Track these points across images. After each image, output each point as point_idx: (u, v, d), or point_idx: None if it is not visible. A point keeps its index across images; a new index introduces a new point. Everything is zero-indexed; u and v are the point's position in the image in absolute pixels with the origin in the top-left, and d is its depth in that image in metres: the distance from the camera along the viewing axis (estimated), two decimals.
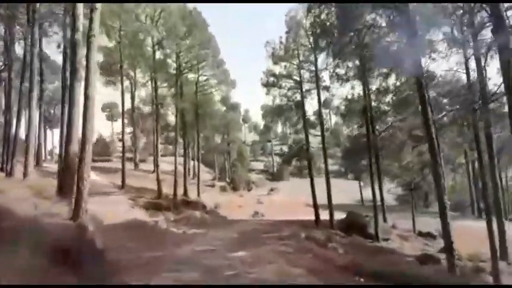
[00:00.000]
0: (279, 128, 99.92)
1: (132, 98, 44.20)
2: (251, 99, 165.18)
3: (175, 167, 29.80)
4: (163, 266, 9.00)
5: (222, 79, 32.52)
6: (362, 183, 67.96)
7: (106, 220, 18.72)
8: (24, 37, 23.42)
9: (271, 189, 55.38)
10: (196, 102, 32.14)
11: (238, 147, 57.26)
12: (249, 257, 10.22)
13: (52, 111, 54.52)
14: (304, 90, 28.69)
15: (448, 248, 15.59)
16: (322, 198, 28.70)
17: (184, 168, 32.42)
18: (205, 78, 33.04)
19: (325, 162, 26.76)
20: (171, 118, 36.48)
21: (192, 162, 46.45)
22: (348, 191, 62.64)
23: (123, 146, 32.84)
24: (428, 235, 26.41)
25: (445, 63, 30.85)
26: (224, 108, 42.53)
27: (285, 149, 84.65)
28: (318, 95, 26.92)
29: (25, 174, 18.21)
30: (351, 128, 50.99)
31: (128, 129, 59.01)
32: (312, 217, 30.44)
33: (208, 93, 33.61)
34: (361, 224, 25.77)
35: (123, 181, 30.79)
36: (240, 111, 57.88)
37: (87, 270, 7.42)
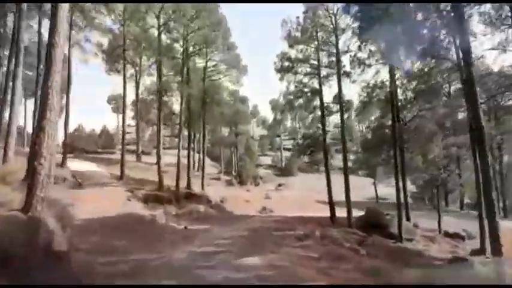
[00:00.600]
0: (288, 123, 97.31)
1: (137, 86, 41.84)
2: (260, 94, 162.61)
3: (178, 157, 27.42)
4: (147, 276, 6.60)
5: (233, 64, 29.98)
6: (376, 180, 65.46)
7: (95, 213, 16.49)
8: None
9: (279, 185, 52.92)
10: (203, 88, 29.63)
11: (246, 141, 54.71)
12: (267, 266, 7.78)
13: None
14: (322, 76, 26.07)
15: (497, 251, 13.19)
16: (334, 195, 26.40)
17: (188, 159, 30.06)
18: (214, 63, 30.51)
19: (344, 154, 24.20)
20: (177, 107, 34.09)
21: (197, 156, 44.25)
22: (359, 188, 59.83)
23: (123, 136, 30.53)
24: (457, 236, 23.74)
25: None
26: (232, 99, 39.89)
27: (295, 143, 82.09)
28: (339, 79, 24.35)
29: (4, 160, 15.95)
30: (366, 121, 48.23)
31: (133, 122, 56.85)
32: (325, 214, 28.06)
33: (217, 79, 31.05)
34: (382, 222, 23.26)
35: (121, 172, 28.52)
36: (248, 104, 55.27)
37: (35, 277, 5.12)
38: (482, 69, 25.35)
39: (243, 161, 42.93)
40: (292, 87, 26.90)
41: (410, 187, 65.66)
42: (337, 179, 61.25)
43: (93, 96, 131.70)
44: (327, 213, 29.06)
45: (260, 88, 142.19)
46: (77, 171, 29.29)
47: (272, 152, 75.62)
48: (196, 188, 30.31)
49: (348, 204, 23.29)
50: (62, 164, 27.09)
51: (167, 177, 32.10)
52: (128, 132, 69.94)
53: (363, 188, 61.04)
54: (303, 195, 45.66)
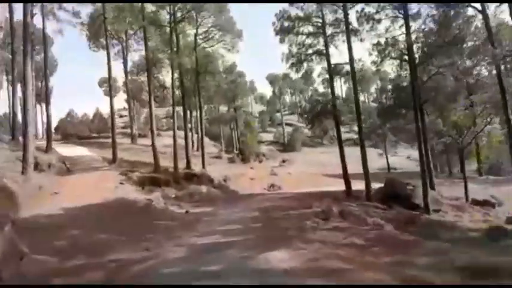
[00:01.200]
0: (288, 98, 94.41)
1: (125, 63, 38.88)
2: (255, 71, 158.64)
3: (174, 134, 24.98)
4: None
5: (227, 28, 26.91)
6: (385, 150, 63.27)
7: (80, 201, 14.16)
8: None
9: (283, 161, 50.65)
10: (195, 58, 26.78)
11: (246, 117, 51.99)
12: (306, 269, 5.11)
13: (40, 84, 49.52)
14: (327, 35, 23.24)
15: None
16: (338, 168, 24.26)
17: (186, 138, 27.53)
18: (205, 29, 27.47)
19: (359, 123, 21.62)
20: (168, 80, 31.29)
21: (195, 136, 41.65)
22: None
23: (112, 118, 27.99)
24: (486, 203, 21.49)
25: None
26: (228, 69, 36.88)
27: (294, 118, 79.49)
28: (348, 36, 21.52)
29: None
30: (365, 93, 45.13)
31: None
32: (336, 188, 25.86)
33: (210, 46, 28.10)
34: (404, 193, 20.93)
35: (114, 155, 26.12)
36: (245, 79, 52.32)
37: None
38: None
39: (244, 136, 40.30)
40: (294, 50, 24.02)
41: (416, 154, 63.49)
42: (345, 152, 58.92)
43: (88, 79, 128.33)
44: (339, 187, 26.89)
45: (255, 64, 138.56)
46: (66, 157, 27.03)
47: (273, 128, 73.05)
48: (196, 168, 27.96)
49: (366, 175, 20.89)
50: (47, 150, 24.62)
51: (165, 158, 29.74)
52: (122, 116, 67.53)
53: (369, 159, 58.69)
54: (310, 170, 43.45)
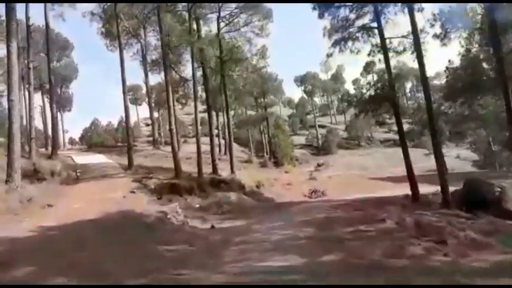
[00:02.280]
0: (318, 100, 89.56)
1: (144, 63, 35.85)
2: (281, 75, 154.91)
3: (197, 129, 21.24)
4: None
5: (254, 9, 22.95)
6: (427, 150, 57.43)
7: (74, 215, 10.47)
8: None
9: (319, 165, 46.06)
10: (219, 44, 23.01)
11: (275, 119, 47.69)
12: None
13: (60, 91, 47.62)
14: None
15: None
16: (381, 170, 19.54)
17: (211, 137, 23.64)
18: (228, 11, 23.69)
19: (428, 105, 16.93)
20: (189, 71, 27.44)
21: (222, 142, 38.01)
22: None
23: (127, 122, 24.68)
24: None
25: None
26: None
27: (326, 120, 74.58)
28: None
29: None
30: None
31: (156, 113, 51.60)
32: (392, 192, 21.32)
33: (235, 30, 24.17)
34: (492, 196, 15.95)
35: (129, 160, 22.70)
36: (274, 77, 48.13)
37: None
38: None
39: (276, 137, 36.02)
40: (338, 24, 19.69)
41: (468, 154, 56.91)
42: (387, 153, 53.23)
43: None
44: (395, 191, 22.25)
45: (280, 68, 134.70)
46: (79, 164, 24.00)
47: (304, 130, 68.45)
48: (224, 173, 24.03)
49: (441, 175, 16.13)
50: (52, 156, 21.45)
51: (189, 164, 26.17)
52: (149, 124, 65.00)
53: (414, 160, 52.80)
54: (352, 174, 38.66)
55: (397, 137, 66.41)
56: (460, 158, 53.89)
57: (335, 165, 48.68)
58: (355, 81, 77.60)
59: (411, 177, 17.62)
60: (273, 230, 10.64)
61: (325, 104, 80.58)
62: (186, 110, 64.27)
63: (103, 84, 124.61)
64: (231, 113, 63.92)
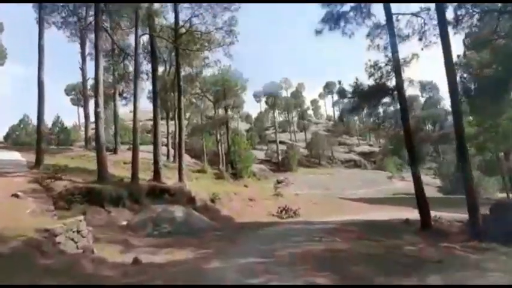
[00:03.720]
0: (278, 116, 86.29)
1: (82, 44, 29.66)
2: None
3: (135, 116, 15.73)
4: None
5: None
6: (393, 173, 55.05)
7: None
8: None
9: (279, 182, 41.34)
10: (175, 14, 17.86)
11: (232, 134, 42.45)
12: None
13: None
14: None
15: None
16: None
17: (155, 134, 17.99)
18: None
19: (454, 104, 12.70)
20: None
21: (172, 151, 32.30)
22: (371, 182, 49.63)
23: (39, 118, 18.07)
24: None
25: None
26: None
27: (286, 136, 70.97)
28: None
29: None
30: None
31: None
32: (381, 215, 17.30)
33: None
34: None
35: (37, 157, 16.47)
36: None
37: None
38: None
39: (236, 146, 30.77)
40: None
41: (428, 180, 55.06)
42: (341, 174, 49.92)
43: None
44: (381, 214, 18.26)
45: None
46: None
47: (263, 145, 64.10)
48: (170, 182, 18.46)
49: (471, 195, 11.84)
50: None
51: (125, 169, 20.45)
52: (93, 129, 57.05)
53: (374, 182, 50.62)
54: (320, 193, 34.44)
55: (357, 157, 64.43)
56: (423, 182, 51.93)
57: (296, 183, 44.43)
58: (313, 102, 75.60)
59: (422, 200, 13.25)
60: (246, 276, 5.52)
61: (285, 120, 77.16)
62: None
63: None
64: (184, 122, 58.08)
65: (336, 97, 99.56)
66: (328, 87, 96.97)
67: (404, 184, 52.07)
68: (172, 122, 36.58)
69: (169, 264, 7.16)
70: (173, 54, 24.95)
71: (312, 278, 5.15)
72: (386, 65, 13.55)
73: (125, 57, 22.34)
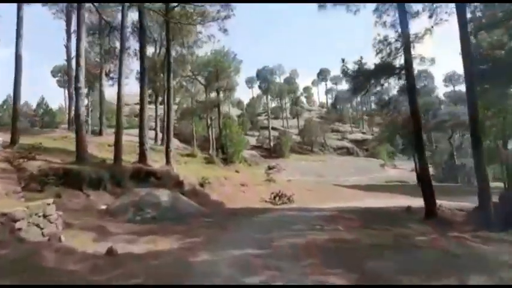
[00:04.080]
0: (271, 102, 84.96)
1: (68, 22, 27.93)
2: None
3: (119, 102, 14.50)
4: None
5: None
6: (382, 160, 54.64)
7: None
8: None
9: (270, 168, 40.51)
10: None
11: (224, 120, 40.73)
12: None
13: None
14: None
15: None
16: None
17: (142, 113, 16.71)
18: None
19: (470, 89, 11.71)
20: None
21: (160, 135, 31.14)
22: (364, 170, 49.07)
23: (15, 99, 16.64)
24: None
25: None
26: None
27: (278, 123, 69.88)
28: None
29: None
30: None
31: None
32: (378, 203, 16.54)
33: None
34: None
35: (12, 136, 15.16)
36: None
37: None
38: None
39: (228, 130, 29.49)
40: None
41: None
42: (333, 161, 49.29)
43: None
44: (378, 202, 17.50)
45: None
46: None
47: (255, 131, 62.96)
48: (157, 165, 17.30)
49: (484, 186, 10.94)
50: None
51: (109, 152, 19.17)
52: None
53: (367, 169, 50.04)
54: (312, 180, 33.65)
55: (350, 145, 63.77)
56: (414, 171, 51.60)
57: (288, 169, 43.63)
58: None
59: (428, 187, 12.31)
60: (242, 273, 4.49)
61: (278, 106, 75.87)
62: (125, 100, 55.66)
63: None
64: (174, 107, 56.30)
65: (329, 84, 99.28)
66: (322, 74, 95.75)
67: (396, 172, 51.75)
68: (162, 107, 35.32)
69: (150, 255, 6.12)
70: (164, 34, 23.57)
71: (324, 277, 4.14)
72: (396, 40, 12.41)
73: (111, 30, 20.75)
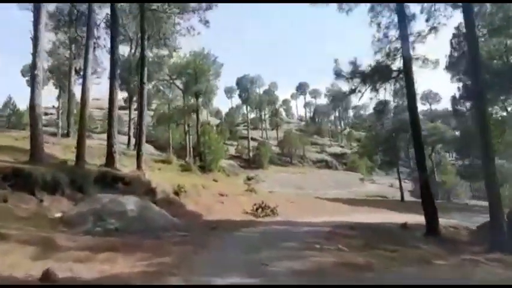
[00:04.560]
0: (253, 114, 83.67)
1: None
2: None
3: (84, 95, 12.78)
4: None
5: None
6: (363, 175, 54.30)
7: None
8: None
9: (249, 178, 38.97)
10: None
11: (203, 127, 38.73)
12: None
13: None
14: None
15: None
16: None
17: (111, 112, 14.89)
18: None
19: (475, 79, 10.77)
20: None
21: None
22: (344, 184, 48.33)
23: None
24: None
25: None
26: None
27: (257, 133, 68.65)
28: None
29: None
30: None
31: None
32: (368, 218, 15.39)
33: None
34: None
35: None
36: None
37: None
38: None
39: (207, 136, 27.57)
40: None
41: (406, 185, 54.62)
42: (313, 174, 48.48)
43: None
44: (370, 217, 16.36)
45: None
46: None
47: (233, 141, 61.38)
48: (126, 170, 15.47)
49: (495, 205, 9.85)
50: None
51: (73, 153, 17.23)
52: (49, 114, 52.07)
53: (346, 183, 49.27)
54: (292, 192, 32.32)
55: (329, 158, 63.07)
56: (393, 186, 51.27)
57: (267, 180, 42.22)
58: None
59: (429, 203, 11.14)
60: None
61: (257, 117, 74.64)
62: (99, 103, 52.83)
63: None
64: (150, 113, 54.03)
65: (308, 98, 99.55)
66: (301, 88, 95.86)
67: (375, 187, 51.19)
68: (136, 112, 33.38)
69: (101, 282, 4.50)
70: (139, 35, 22.00)
71: None
72: (396, 39, 11.36)
73: (78, 17, 18.85)
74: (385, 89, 12.25)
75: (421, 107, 71.06)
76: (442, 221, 15.70)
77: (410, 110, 11.53)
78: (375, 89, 12.17)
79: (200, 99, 30.19)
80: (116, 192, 12.31)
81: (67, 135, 26.74)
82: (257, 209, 15.39)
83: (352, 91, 12.54)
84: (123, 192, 12.39)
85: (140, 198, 11.74)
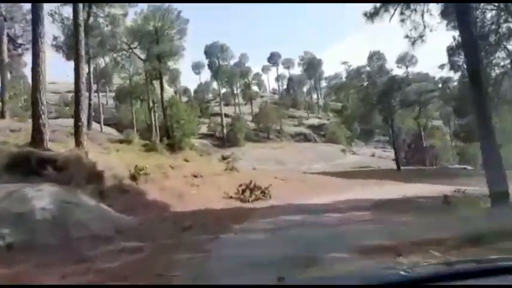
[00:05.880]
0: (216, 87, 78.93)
1: None
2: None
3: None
4: None
5: None
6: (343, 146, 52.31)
7: None
8: None
9: (224, 158, 35.18)
10: None
11: (171, 100, 33.95)
12: None
13: None
14: None
15: None
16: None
17: (34, 68, 10.65)
18: None
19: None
20: None
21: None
22: (328, 156, 45.78)
23: None
24: None
25: None
26: None
27: (230, 109, 64.63)
28: None
29: None
30: None
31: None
32: (384, 193, 12.21)
33: None
34: None
35: None
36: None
37: None
38: None
39: (174, 107, 23.29)
40: None
41: (381, 153, 52.72)
42: (293, 148, 45.65)
43: None
44: (386, 191, 13.17)
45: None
46: None
47: (205, 118, 57.11)
48: (64, 149, 11.30)
49: None
50: None
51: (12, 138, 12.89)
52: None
53: (328, 155, 46.68)
54: (274, 168, 29.10)
55: (307, 131, 60.29)
56: (375, 156, 49.22)
57: (244, 158, 38.62)
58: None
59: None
60: None
61: (228, 91, 70.08)
62: (54, 87, 46.90)
63: None
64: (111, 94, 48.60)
65: (281, 69, 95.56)
66: (273, 58, 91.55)
67: (358, 158, 48.67)
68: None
69: None
70: None
71: None
72: None
73: None
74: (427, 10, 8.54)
75: (397, 70, 68.82)
76: (470, 189, 12.88)
77: (470, 60, 8.02)
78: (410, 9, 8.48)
79: (165, 64, 25.53)
80: (43, 180, 8.35)
81: (1, 116, 21.82)
82: (243, 191, 11.76)
83: (376, 12, 8.82)
84: (54, 181, 8.44)
85: (78, 189, 7.86)
